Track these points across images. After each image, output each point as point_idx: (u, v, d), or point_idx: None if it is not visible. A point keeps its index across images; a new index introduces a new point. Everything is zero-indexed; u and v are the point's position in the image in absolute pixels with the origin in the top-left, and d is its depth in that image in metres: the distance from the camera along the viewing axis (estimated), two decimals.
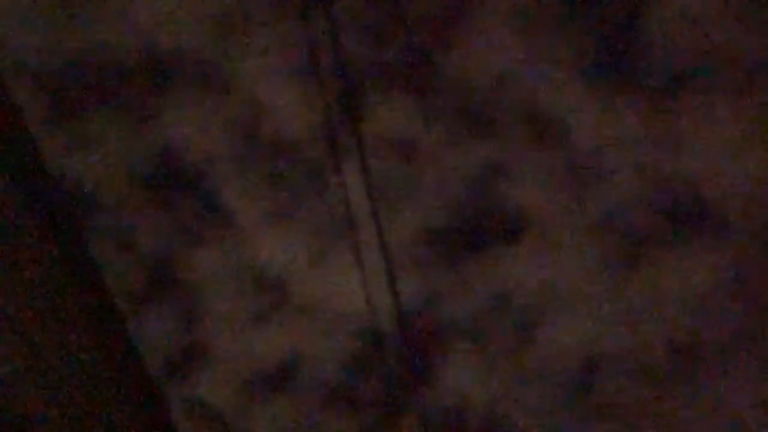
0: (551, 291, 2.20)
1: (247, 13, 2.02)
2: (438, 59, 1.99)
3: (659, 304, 2.17)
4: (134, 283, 2.34)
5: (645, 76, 1.93)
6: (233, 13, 2.03)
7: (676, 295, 2.15)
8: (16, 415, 2.25)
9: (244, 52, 2.07)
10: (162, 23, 2.06)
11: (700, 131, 1.96)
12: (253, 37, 2.05)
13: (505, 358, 2.27)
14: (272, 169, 2.19)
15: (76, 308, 2.21)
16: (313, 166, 2.16)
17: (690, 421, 2.25)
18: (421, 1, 1.94)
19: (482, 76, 2.01)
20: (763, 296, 2.10)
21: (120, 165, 2.21)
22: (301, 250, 2.26)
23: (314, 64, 2.03)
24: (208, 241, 2.30)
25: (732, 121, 1.94)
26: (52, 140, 2.17)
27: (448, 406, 2.33)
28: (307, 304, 2.32)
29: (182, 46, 2.08)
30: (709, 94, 1.93)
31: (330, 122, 2.09)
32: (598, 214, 2.11)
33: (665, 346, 2.20)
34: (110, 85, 2.11)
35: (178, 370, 2.39)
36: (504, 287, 2.21)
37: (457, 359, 2.29)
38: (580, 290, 2.19)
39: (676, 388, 2.23)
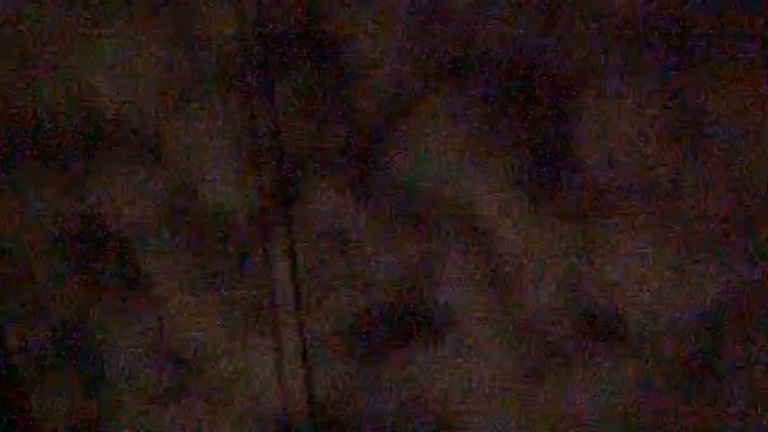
0: (465, 392, 2.21)
1: (189, 88, 2.04)
2: (377, 152, 2.03)
3: (567, 414, 2.20)
4: (40, 349, 2.25)
5: (572, 193, 2.00)
6: (175, 86, 2.04)
7: (588, 406, 2.18)
8: None
9: (181, 126, 2.07)
10: (101, 88, 2.06)
11: (619, 250, 2.03)
12: (192, 112, 2.06)
13: None
14: (198, 244, 2.16)
15: None
16: (240, 246, 2.15)
17: None
18: (365, 97, 1.98)
19: (418, 174, 2.05)
20: (667, 415, 2.14)
21: (42, 225, 2.16)
22: (217, 329, 2.22)
23: (252, 144, 2.04)
24: (122, 311, 2.24)
25: (650, 244, 2.02)
26: None
27: None
28: (218, 386, 2.26)
29: (119, 113, 2.08)
30: (631, 216, 2.00)
31: (262, 204, 2.09)
32: (519, 320, 2.14)
33: None
34: (43, 144, 2.08)
35: None
36: (420, 387, 2.21)
37: None
38: (495, 396, 2.20)
39: None
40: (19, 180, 2.14)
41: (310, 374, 2.18)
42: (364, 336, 2.17)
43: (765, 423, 2.08)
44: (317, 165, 2.04)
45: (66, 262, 2.20)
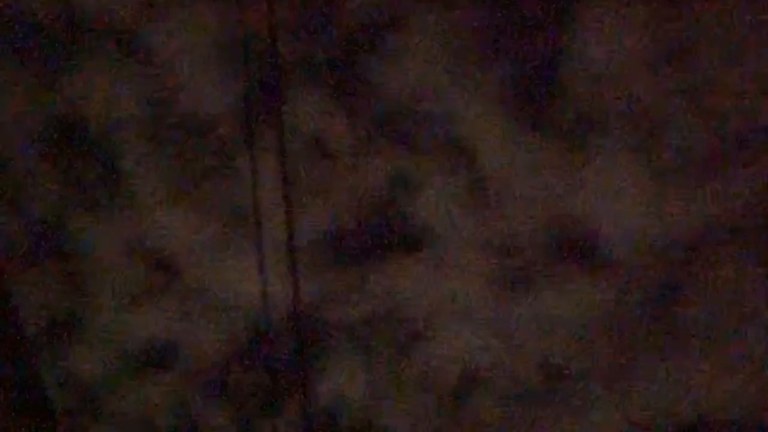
0: (440, 305, 2.27)
1: None
2: (365, 64, 2.02)
3: (538, 330, 2.27)
4: (19, 244, 2.23)
5: (557, 116, 2.03)
6: None
7: (555, 323, 2.25)
8: None
9: (169, 25, 2.03)
10: None
11: (599, 174, 2.08)
12: (181, 11, 2.01)
13: (387, 364, 2.32)
14: (181, 145, 2.14)
15: None
16: (225, 149, 2.14)
17: None
18: (357, 6, 1.96)
19: (404, 86, 2.05)
20: (635, 333, 2.23)
21: (21, 121, 2.12)
22: (198, 233, 2.23)
23: (243, 48, 2.01)
24: (102, 210, 2.23)
25: (630, 170, 2.06)
26: None
27: (327, 404, 2.35)
28: (198, 288, 2.28)
29: (104, 7, 2.02)
30: (613, 142, 2.04)
31: (249, 108, 2.08)
32: (494, 237, 2.18)
33: (538, 369, 2.31)
34: (22, 37, 2.02)
35: (53, 339, 2.30)
36: (397, 296, 2.26)
37: (342, 360, 2.31)
38: (467, 307, 2.27)
39: (545, 408, 2.33)
40: None
41: (295, 280, 2.21)
42: (346, 244, 2.20)
43: (729, 344, 2.18)
44: (303, 73, 2.03)
45: (44, 160, 2.17)
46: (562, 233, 2.16)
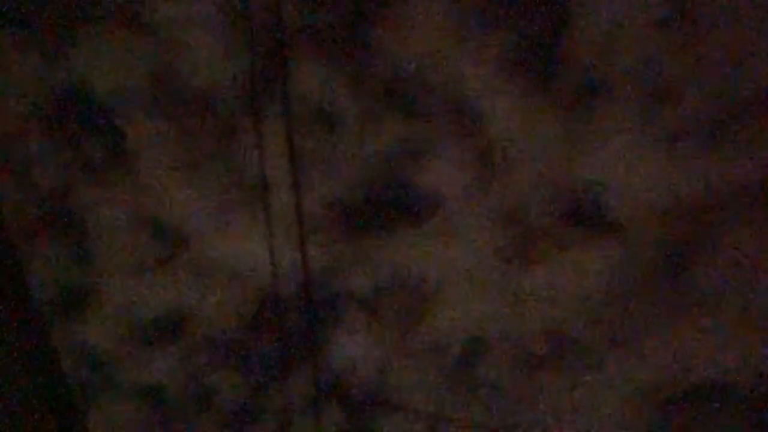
0: (447, 273, 2.28)
1: None
2: (370, 31, 2.00)
3: (545, 298, 2.28)
4: (28, 216, 2.24)
5: (564, 80, 2.01)
6: None
7: (563, 292, 2.26)
8: None
9: None
10: None
11: (608, 140, 2.07)
12: None
13: (395, 331, 2.33)
14: (187, 116, 2.14)
15: None
16: (231, 121, 2.13)
17: (561, 410, 2.39)
18: None
19: (409, 54, 2.03)
20: (645, 303, 2.25)
21: (25, 93, 2.11)
22: (206, 204, 2.23)
23: (247, 17, 2.00)
24: (108, 182, 2.23)
25: (638, 135, 2.06)
26: None
27: (338, 371, 2.37)
28: (207, 259, 2.30)
29: None
30: (621, 107, 2.03)
31: (254, 78, 2.07)
32: (502, 205, 2.19)
33: (546, 337, 2.32)
34: (25, 8, 2.00)
35: (65, 310, 2.32)
36: (404, 265, 2.27)
37: (351, 328, 2.33)
38: (474, 276, 2.28)
39: (552, 377, 2.36)
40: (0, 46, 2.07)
41: (304, 250, 2.22)
42: (353, 214, 2.21)
43: (739, 308, 2.19)
44: (308, 42, 2.01)
45: (50, 133, 2.17)
46: (569, 200, 2.16)
